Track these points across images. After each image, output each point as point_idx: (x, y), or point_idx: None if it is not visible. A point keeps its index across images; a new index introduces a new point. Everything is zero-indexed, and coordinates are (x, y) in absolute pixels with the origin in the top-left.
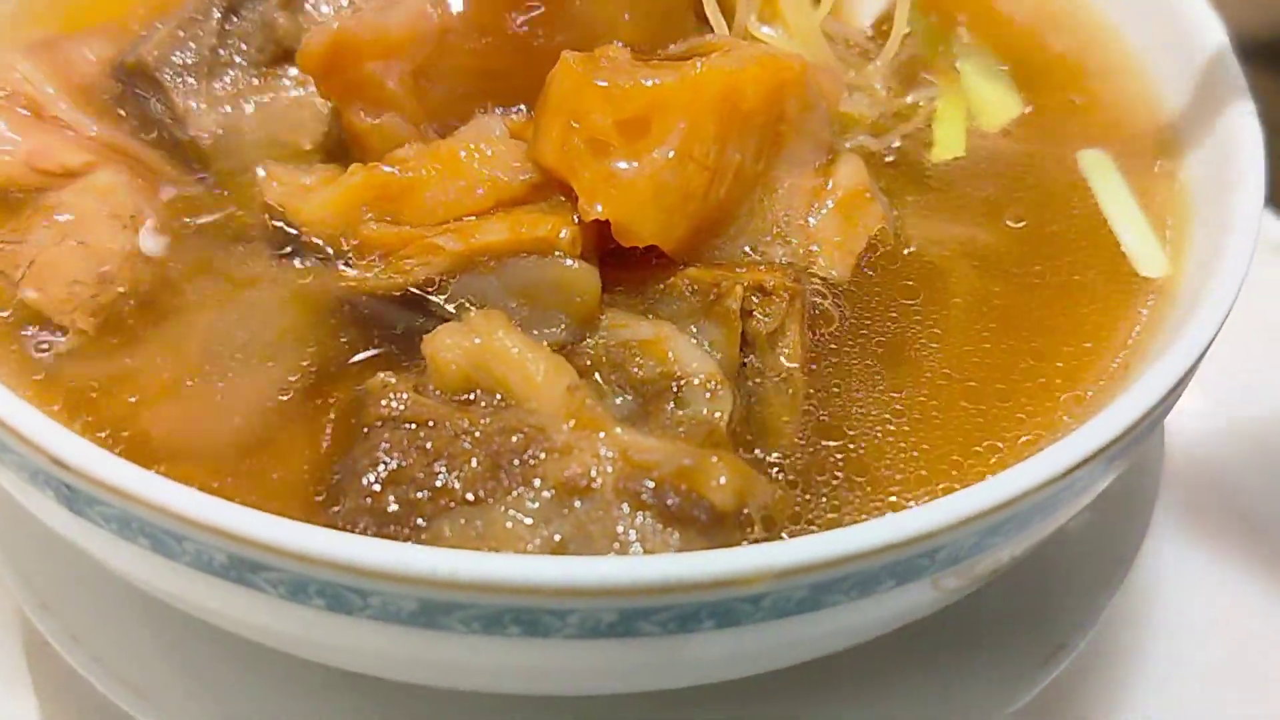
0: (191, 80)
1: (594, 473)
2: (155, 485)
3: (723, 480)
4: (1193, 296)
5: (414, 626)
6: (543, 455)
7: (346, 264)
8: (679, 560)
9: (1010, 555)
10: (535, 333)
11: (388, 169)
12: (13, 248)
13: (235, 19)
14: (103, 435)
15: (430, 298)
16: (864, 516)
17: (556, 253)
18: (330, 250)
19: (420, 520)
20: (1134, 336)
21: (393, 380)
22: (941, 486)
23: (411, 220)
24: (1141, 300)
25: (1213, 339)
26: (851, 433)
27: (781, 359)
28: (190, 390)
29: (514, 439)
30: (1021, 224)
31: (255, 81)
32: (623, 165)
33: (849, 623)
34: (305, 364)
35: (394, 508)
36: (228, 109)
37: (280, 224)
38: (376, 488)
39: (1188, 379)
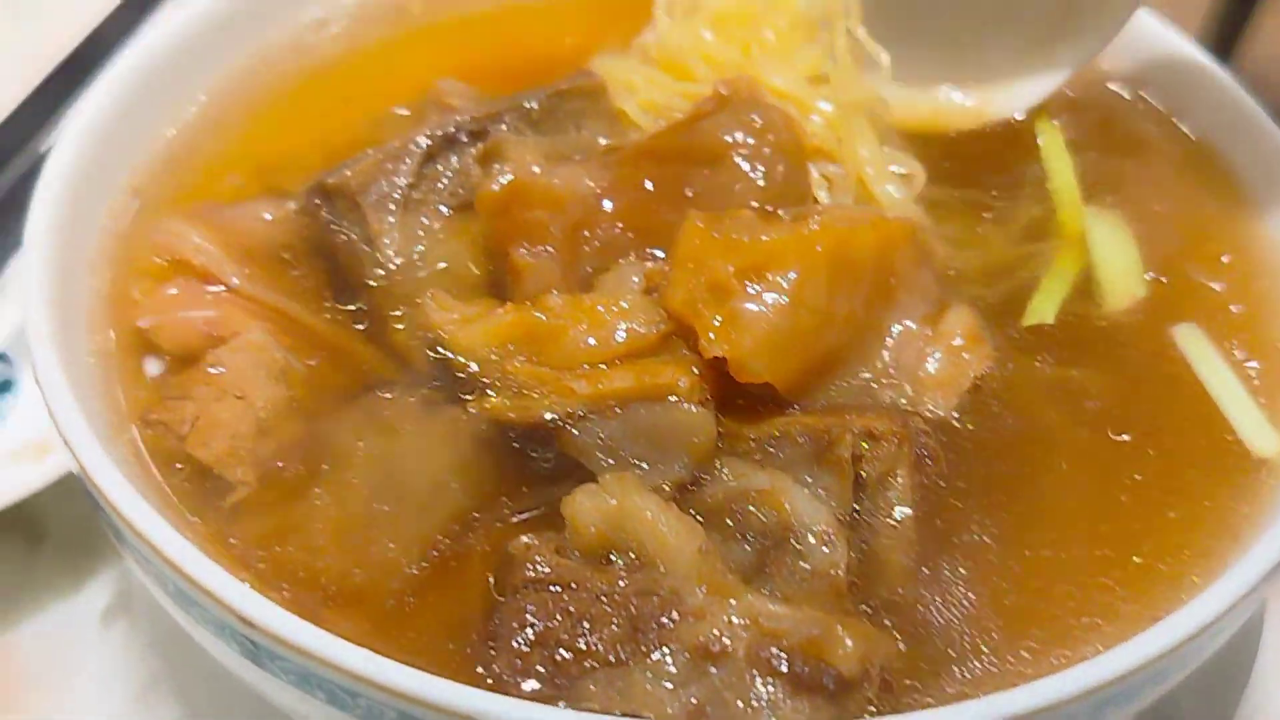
0: (390, 208)
1: (727, 639)
2: (332, 645)
3: (848, 648)
4: None
5: None
6: (678, 618)
7: (487, 392)
8: None
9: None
10: (659, 467)
11: (537, 314)
12: (178, 404)
13: (436, 163)
14: (265, 584)
15: (563, 428)
16: (978, 671)
17: (674, 398)
18: (475, 377)
19: (565, 680)
20: (1248, 507)
21: (535, 543)
22: (1055, 652)
23: (552, 361)
24: (1254, 474)
25: None
26: (962, 585)
27: (892, 503)
28: (346, 541)
29: (651, 602)
30: (1126, 389)
31: (438, 224)
32: (740, 306)
33: None
34: (454, 516)
35: (541, 668)
36: (413, 244)
37: (434, 352)
38: (525, 649)
39: None
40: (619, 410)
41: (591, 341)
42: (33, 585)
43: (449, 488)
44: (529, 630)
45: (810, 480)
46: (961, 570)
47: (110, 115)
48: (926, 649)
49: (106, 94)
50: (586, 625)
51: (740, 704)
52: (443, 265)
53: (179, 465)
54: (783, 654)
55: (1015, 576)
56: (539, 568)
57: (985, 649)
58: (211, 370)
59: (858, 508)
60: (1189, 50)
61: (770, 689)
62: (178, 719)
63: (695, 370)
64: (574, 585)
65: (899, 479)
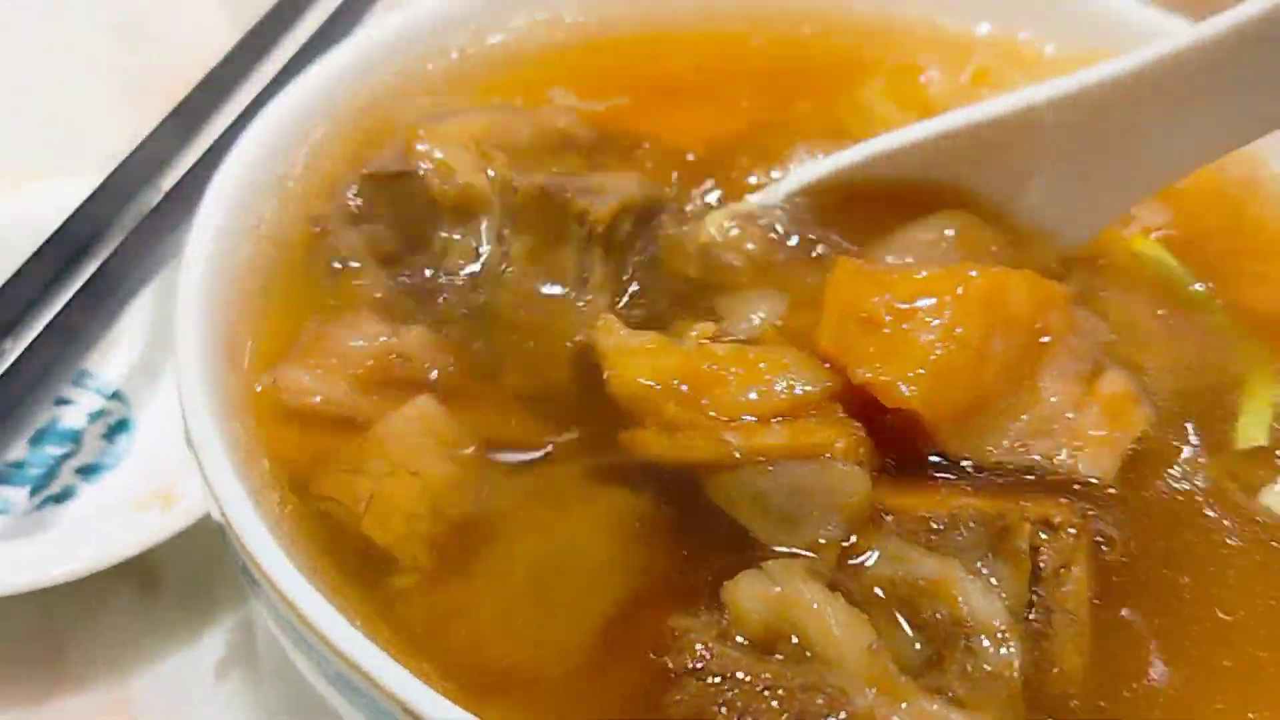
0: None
1: None
2: None
3: None
4: None
5: None
6: (845, 718)
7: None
8: None
9: None
10: (809, 529)
11: (703, 363)
12: (351, 478)
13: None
14: (426, 668)
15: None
16: None
17: (828, 455)
18: (630, 413)
19: None
20: None
21: (695, 625)
22: None
23: (710, 407)
24: None
25: None
26: (1141, 687)
27: (1069, 597)
28: (509, 625)
29: (818, 700)
30: None
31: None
32: (891, 334)
33: None
34: (615, 593)
35: None
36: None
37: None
38: None
39: None
40: (771, 467)
41: (753, 396)
42: (147, 635)
43: (612, 564)
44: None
45: (983, 570)
46: (1141, 670)
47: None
48: None
49: (258, 136)
50: (751, 719)
51: None
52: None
53: (344, 543)
54: None
55: (1201, 683)
56: (700, 655)
57: None
58: (386, 444)
59: (1032, 601)
60: None
61: None
62: None
63: (854, 434)
64: (738, 675)
65: (1075, 572)
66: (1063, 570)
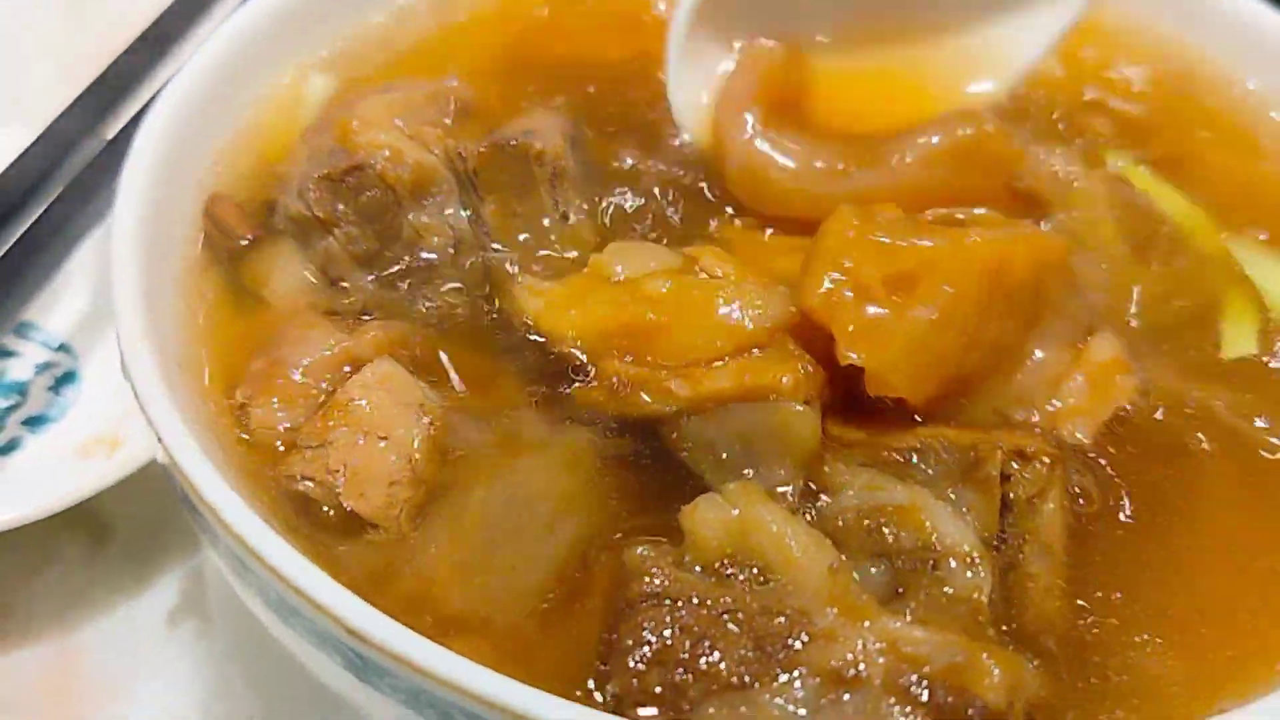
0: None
1: (862, 664)
2: (447, 660)
3: (995, 677)
4: None
5: None
6: (807, 640)
7: (585, 383)
8: None
9: None
10: (762, 471)
11: (639, 303)
12: (320, 453)
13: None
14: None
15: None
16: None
17: (776, 397)
18: (579, 363)
19: (685, 703)
20: None
21: (652, 554)
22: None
23: (654, 356)
24: None
25: None
26: (1113, 620)
27: (1042, 527)
28: (471, 566)
29: (777, 621)
30: None
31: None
32: (885, 316)
33: None
34: (575, 535)
35: (659, 689)
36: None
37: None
38: (642, 668)
39: None
40: (719, 411)
41: (697, 339)
42: (98, 585)
43: (569, 506)
44: (645, 648)
45: (953, 498)
46: (1113, 604)
47: (193, 105)
48: (1076, 687)
49: (184, 85)
50: (708, 644)
51: None
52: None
53: (327, 510)
54: (924, 682)
55: (1172, 615)
56: (656, 581)
57: (1137, 690)
58: (349, 411)
59: (1003, 530)
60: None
61: (908, 717)
62: (248, 713)
63: (802, 369)
64: (694, 600)
65: (1049, 503)
66: (1035, 500)
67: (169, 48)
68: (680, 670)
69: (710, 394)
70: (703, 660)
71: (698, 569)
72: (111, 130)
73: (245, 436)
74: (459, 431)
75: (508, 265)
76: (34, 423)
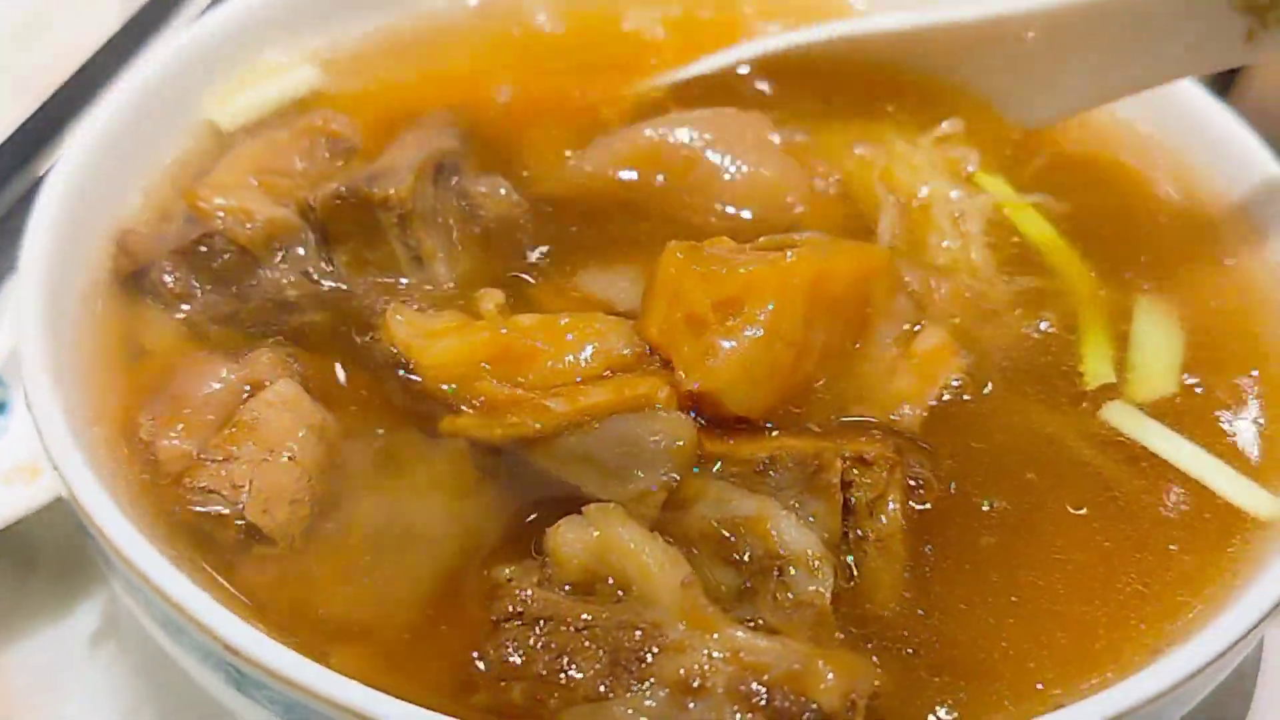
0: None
1: (707, 673)
2: (318, 675)
3: (830, 682)
4: None
5: None
6: (658, 652)
7: (459, 411)
8: None
9: None
10: (642, 477)
11: (508, 333)
12: (223, 466)
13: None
14: (270, 624)
15: (540, 446)
16: (967, 704)
17: (656, 406)
18: (449, 397)
19: (546, 716)
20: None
21: (517, 574)
22: (1045, 685)
23: (526, 380)
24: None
25: None
26: (953, 615)
27: (882, 528)
28: (352, 579)
29: (633, 635)
30: None
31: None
32: (716, 341)
33: None
34: (450, 549)
35: (521, 702)
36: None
37: (405, 371)
38: (504, 683)
39: None
40: (598, 424)
41: (568, 359)
42: (23, 610)
43: (447, 523)
44: (509, 663)
45: (799, 506)
46: (952, 600)
47: (115, 134)
48: (915, 679)
49: (109, 113)
50: (566, 659)
51: None
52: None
53: (230, 529)
54: (763, 689)
55: (1008, 607)
56: (519, 601)
57: (973, 682)
58: (255, 429)
59: (846, 532)
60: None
61: None
62: None
63: (672, 384)
64: (554, 619)
65: (890, 505)
66: (876, 502)
67: (107, 84)
68: (540, 684)
69: (588, 408)
70: (561, 675)
71: (561, 587)
72: (44, 166)
73: (146, 475)
74: (345, 452)
75: (376, 304)
76: None
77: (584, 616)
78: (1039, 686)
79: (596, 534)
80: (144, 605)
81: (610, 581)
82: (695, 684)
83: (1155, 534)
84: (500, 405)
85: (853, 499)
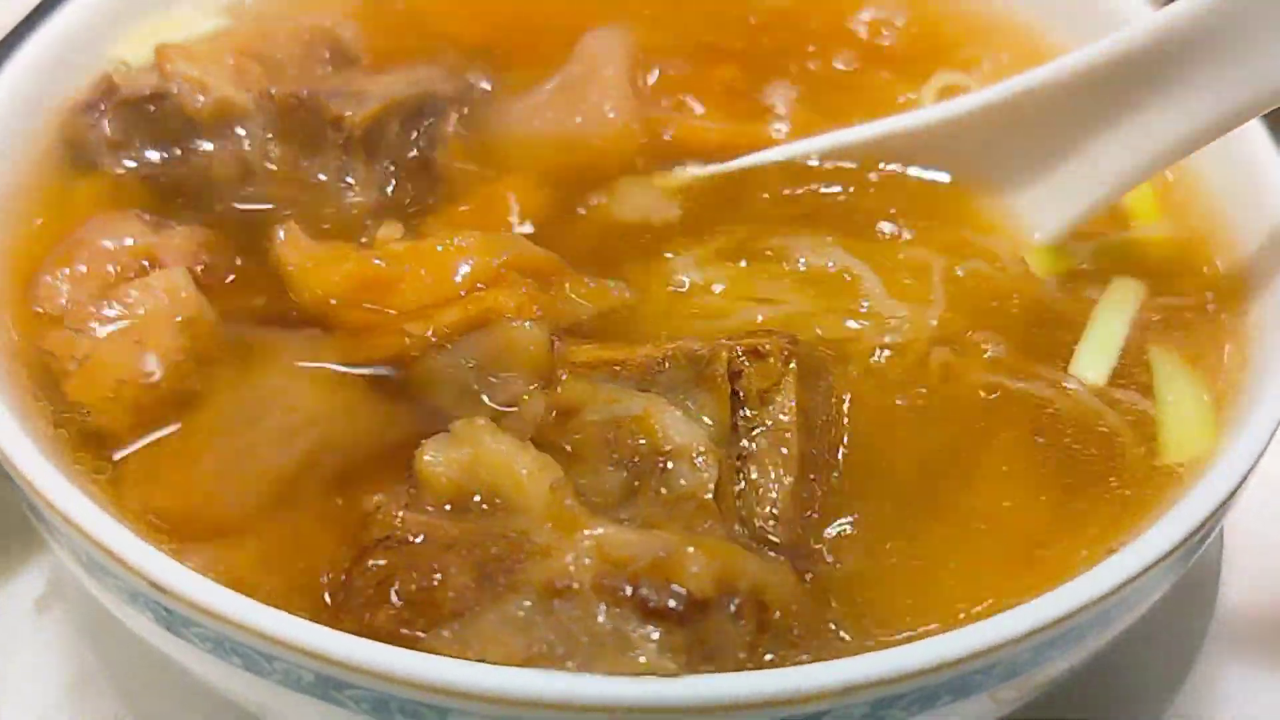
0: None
1: (573, 573)
2: (248, 609)
3: (698, 568)
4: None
5: None
6: (524, 559)
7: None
8: (740, 679)
9: (1066, 668)
10: (501, 388)
11: (376, 261)
12: (73, 336)
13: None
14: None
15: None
16: (867, 615)
17: (506, 317)
18: (321, 318)
19: (419, 633)
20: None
21: (385, 500)
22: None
23: (395, 305)
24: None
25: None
26: (857, 518)
27: (778, 416)
28: (218, 487)
29: (501, 545)
30: None
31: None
32: None
33: None
34: (322, 481)
35: (390, 625)
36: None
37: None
38: (373, 606)
39: (1245, 482)
40: (452, 345)
41: (433, 281)
42: None
43: (318, 450)
44: (376, 587)
45: (687, 401)
46: (855, 504)
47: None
48: (808, 579)
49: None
50: (435, 578)
51: (587, 637)
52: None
53: (56, 405)
54: (627, 581)
55: (918, 513)
56: (387, 526)
57: (879, 592)
58: (115, 307)
59: (737, 423)
60: None
61: (617, 617)
62: (112, 708)
63: (525, 292)
64: (422, 538)
65: (783, 396)
66: (769, 393)
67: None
68: (408, 605)
69: (443, 327)
70: (430, 594)
71: (430, 508)
72: None
73: (37, 309)
74: (222, 346)
75: (281, 213)
76: None
77: (452, 533)
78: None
79: (465, 450)
80: (71, 552)
81: (479, 498)
82: (561, 584)
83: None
84: (365, 331)
85: (742, 391)
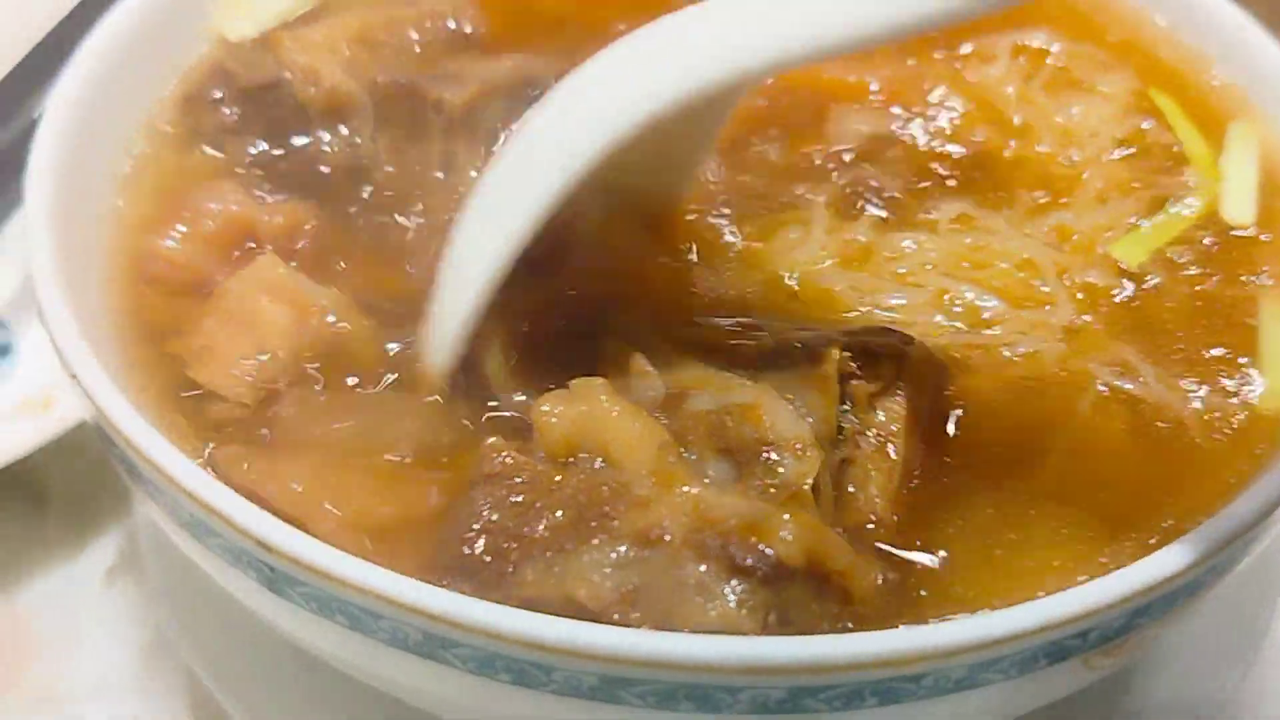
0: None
1: (666, 525)
2: (357, 567)
3: (789, 535)
4: None
5: (594, 700)
6: (623, 508)
7: None
8: (845, 640)
9: (1158, 633)
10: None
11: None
12: (188, 337)
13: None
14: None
15: None
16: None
17: None
18: None
19: (509, 567)
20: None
21: (499, 441)
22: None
23: None
24: None
25: None
26: (952, 523)
27: (886, 423)
28: (338, 460)
29: (600, 493)
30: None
31: None
32: None
33: (1001, 700)
34: (438, 435)
35: (487, 557)
36: None
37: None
38: (471, 537)
39: None
40: None
41: None
42: (37, 546)
43: (434, 413)
44: (478, 517)
45: (794, 398)
46: (953, 506)
47: (120, 48)
48: (907, 584)
49: (113, 27)
50: (533, 515)
51: (674, 586)
52: None
53: (185, 394)
54: (718, 537)
55: (1018, 523)
56: (497, 463)
57: (971, 594)
58: (228, 299)
59: (843, 426)
60: None
61: (704, 570)
62: (185, 674)
63: None
64: (528, 478)
65: (892, 401)
66: (879, 395)
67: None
68: (505, 539)
69: None
70: (526, 529)
71: (542, 456)
72: (39, 109)
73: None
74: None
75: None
76: None
77: (557, 478)
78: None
79: (581, 406)
80: (171, 511)
81: (587, 454)
82: (653, 535)
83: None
84: None
85: (853, 394)
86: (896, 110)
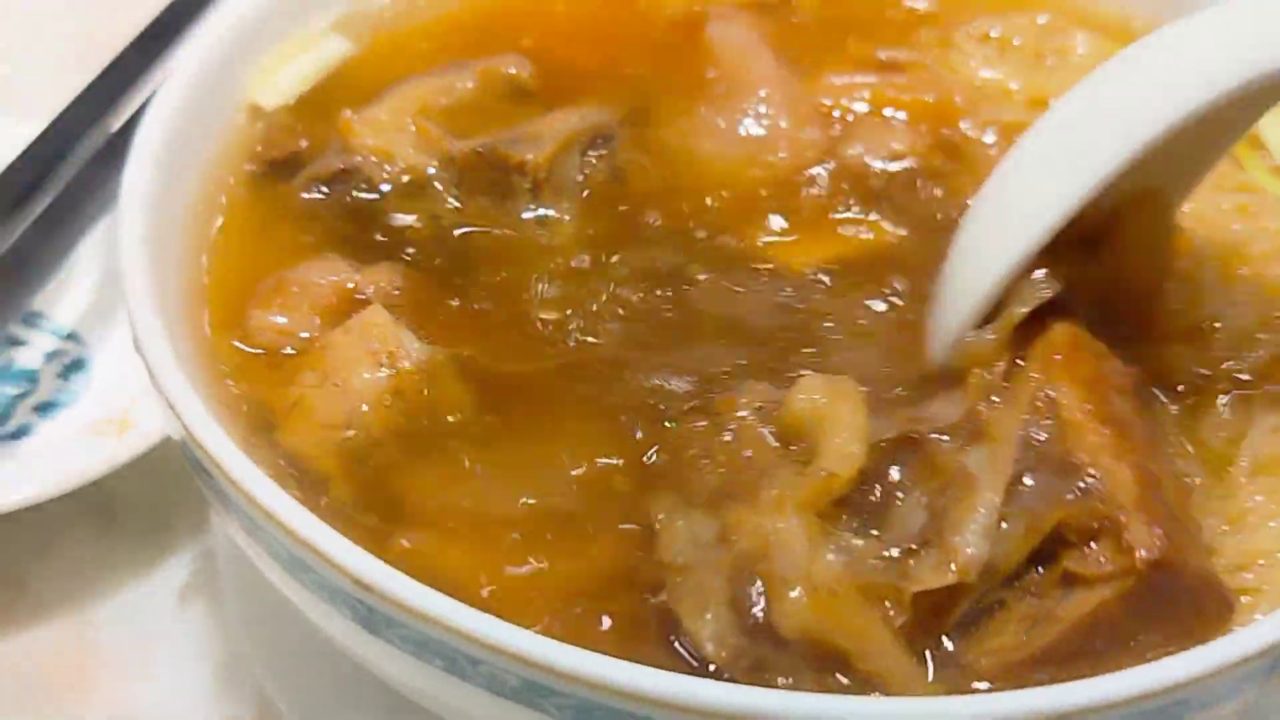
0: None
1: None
2: (455, 609)
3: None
4: None
5: None
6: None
7: None
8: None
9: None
10: None
11: None
12: (284, 390)
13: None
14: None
15: None
16: None
17: None
18: None
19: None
20: None
21: (745, 399)
22: None
23: None
24: None
25: None
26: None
27: (1058, 607)
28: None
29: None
30: None
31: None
32: None
33: None
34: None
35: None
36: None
37: None
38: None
39: None
40: None
41: None
42: (110, 565)
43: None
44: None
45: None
46: None
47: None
48: None
49: (193, 62)
50: (706, 462)
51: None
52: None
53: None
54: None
55: None
56: (737, 408)
57: None
58: (323, 353)
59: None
60: None
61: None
62: (257, 698)
63: None
64: (727, 432)
65: (1089, 593)
66: (1073, 585)
67: (176, 39)
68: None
69: None
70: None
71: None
72: (117, 122)
73: (242, 346)
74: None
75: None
76: (44, 409)
77: (746, 439)
78: None
79: (822, 401)
80: (268, 547)
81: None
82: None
83: None
84: None
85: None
86: None
